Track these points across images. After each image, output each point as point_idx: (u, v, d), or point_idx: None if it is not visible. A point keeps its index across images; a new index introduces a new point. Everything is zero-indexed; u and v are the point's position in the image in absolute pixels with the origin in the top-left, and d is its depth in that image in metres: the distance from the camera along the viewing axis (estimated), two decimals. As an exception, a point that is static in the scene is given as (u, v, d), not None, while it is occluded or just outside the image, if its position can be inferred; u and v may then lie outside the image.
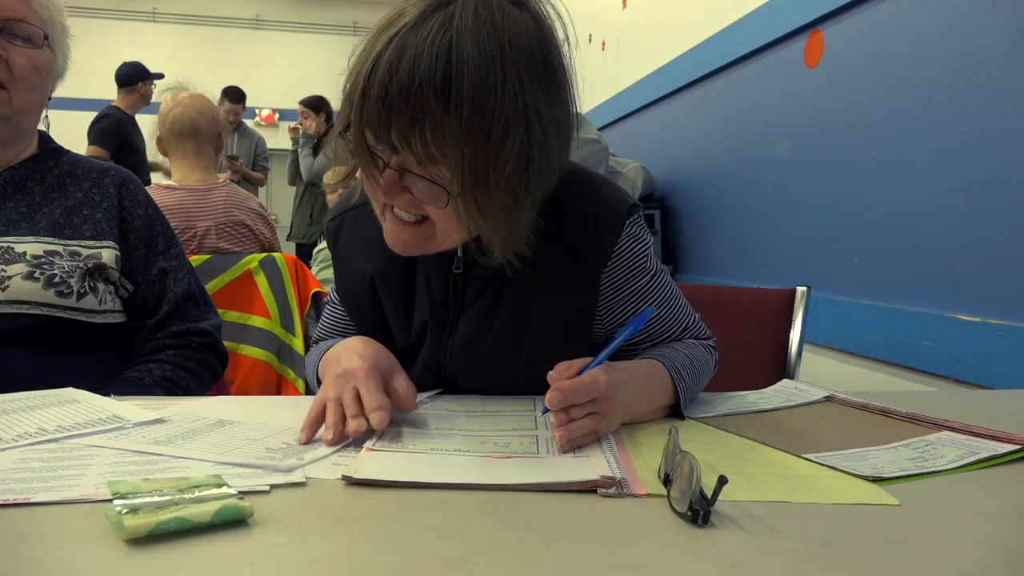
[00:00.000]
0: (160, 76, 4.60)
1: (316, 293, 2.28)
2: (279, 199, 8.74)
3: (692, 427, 0.83)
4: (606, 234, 0.92)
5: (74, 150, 1.26)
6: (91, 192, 1.18)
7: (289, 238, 4.99)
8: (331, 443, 0.71)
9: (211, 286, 2.10)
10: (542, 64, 0.77)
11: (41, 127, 1.26)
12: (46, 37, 1.11)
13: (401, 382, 0.80)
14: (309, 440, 0.73)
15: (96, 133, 4.18)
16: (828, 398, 0.96)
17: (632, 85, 3.24)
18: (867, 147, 1.64)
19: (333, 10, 9.96)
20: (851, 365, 1.68)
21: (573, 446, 0.71)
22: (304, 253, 4.54)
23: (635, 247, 0.94)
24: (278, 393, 2.27)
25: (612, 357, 0.80)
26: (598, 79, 3.74)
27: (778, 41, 1.99)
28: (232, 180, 4.67)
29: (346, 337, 1.06)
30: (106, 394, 1.08)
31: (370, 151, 0.77)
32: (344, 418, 0.74)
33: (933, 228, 1.44)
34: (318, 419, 0.75)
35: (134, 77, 4.40)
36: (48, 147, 1.21)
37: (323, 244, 3.89)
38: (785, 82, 1.99)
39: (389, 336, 1.00)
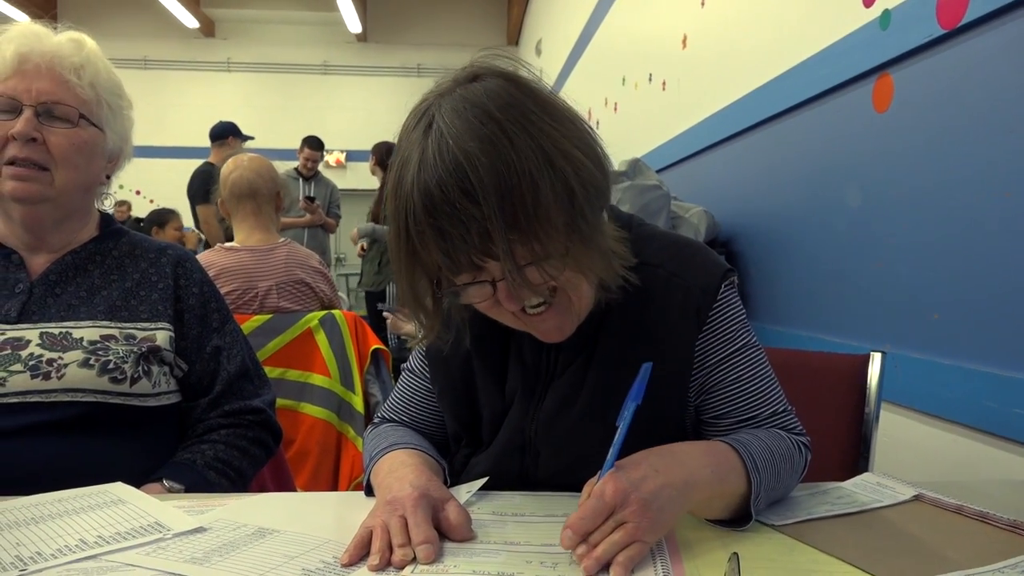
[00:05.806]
0: (251, 138, 4.80)
1: (376, 350, 2.27)
2: (348, 242, 8.96)
3: (761, 536, 0.76)
4: (701, 299, 0.88)
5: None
6: (148, 272, 1.19)
7: (360, 285, 5.07)
8: (375, 568, 0.68)
9: (272, 345, 2.13)
10: (533, 104, 0.75)
11: (106, 208, 1.28)
12: (83, 116, 1.11)
13: (452, 510, 0.76)
14: (351, 564, 0.69)
15: (204, 193, 4.13)
16: (917, 496, 0.87)
17: (694, 126, 3.17)
18: (944, 197, 1.54)
19: (398, 54, 10.23)
20: (933, 428, 1.57)
21: (629, 567, 0.66)
22: (373, 300, 4.57)
23: (730, 312, 0.91)
24: (338, 450, 2.27)
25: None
26: (658, 119, 3.68)
27: (844, 84, 1.90)
28: (313, 223, 4.78)
29: (418, 417, 1.04)
30: (158, 479, 1.09)
31: (475, 283, 0.76)
32: (391, 546, 0.70)
33: (1021, 285, 1.33)
34: (362, 546, 0.71)
35: (226, 132, 4.62)
36: (109, 228, 1.23)
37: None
38: (853, 126, 1.90)
39: (472, 409, 0.97)
